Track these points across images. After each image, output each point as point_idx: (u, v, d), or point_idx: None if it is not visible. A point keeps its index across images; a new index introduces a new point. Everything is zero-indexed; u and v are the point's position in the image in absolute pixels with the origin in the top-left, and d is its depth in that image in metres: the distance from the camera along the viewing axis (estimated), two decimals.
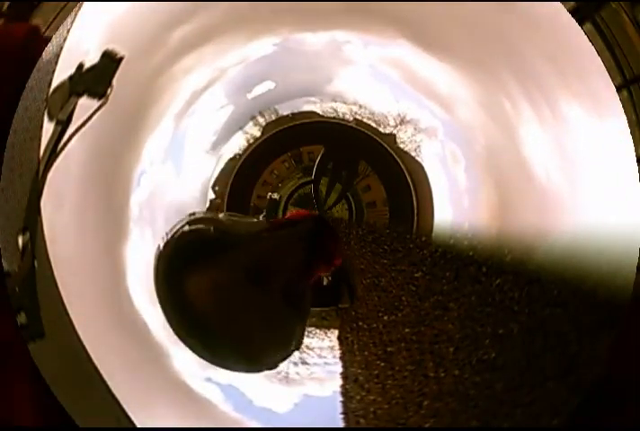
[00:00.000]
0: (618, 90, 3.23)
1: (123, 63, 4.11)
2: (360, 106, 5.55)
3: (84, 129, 3.96)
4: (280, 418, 4.01)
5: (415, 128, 4.94)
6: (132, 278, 4.60)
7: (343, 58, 5.25)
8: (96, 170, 4.69)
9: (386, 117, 5.40)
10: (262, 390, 4.24)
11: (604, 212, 3.38)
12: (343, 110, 5.41)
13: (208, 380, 4.55)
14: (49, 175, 3.68)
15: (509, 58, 3.96)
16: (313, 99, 5.55)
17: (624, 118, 3.14)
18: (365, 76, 5.33)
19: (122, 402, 3.44)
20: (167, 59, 4.86)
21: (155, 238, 5.05)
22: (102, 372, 3.58)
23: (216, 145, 6.46)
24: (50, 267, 3.80)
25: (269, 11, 4.49)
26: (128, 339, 4.34)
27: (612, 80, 3.33)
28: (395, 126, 4.86)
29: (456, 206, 5.13)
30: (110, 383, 3.62)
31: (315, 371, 4.48)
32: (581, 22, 3.28)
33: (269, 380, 4.41)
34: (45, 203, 3.72)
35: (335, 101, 5.58)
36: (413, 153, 5.17)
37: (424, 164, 5.13)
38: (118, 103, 4.33)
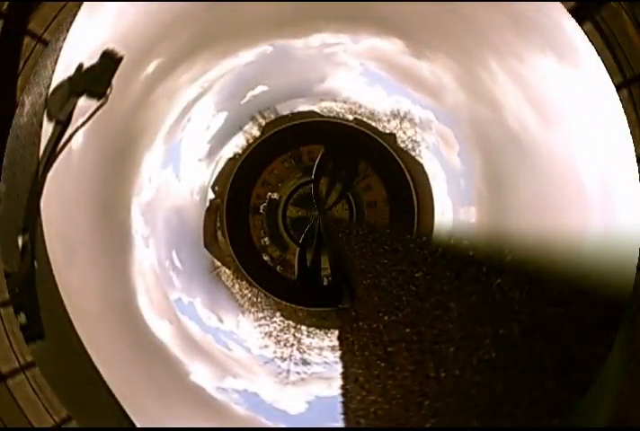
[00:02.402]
0: (619, 89, 3.22)
1: (118, 77, 4.08)
2: (352, 103, 5.50)
3: (84, 133, 3.92)
4: (291, 418, 4.00)
5: (410, 123, 4.91)
6: (138, 284, 4.57)
7: (332, 60, 5.23)
8: (97, 180, 4.65)
9: (380, 113, 5.35)
10: (274, 392, 4.23)
11: (604, 212, 3.34)
12: (337, 109, 5.36)
13: (224, 386, 4.54)
14: (50, 176, 3.64)
15: (478, 34, 4.01)
16: (305, 99, 5.52)
17: (605, 75, 3.16)
18: (356, 75, 5.32)
19: (123, 403, 3.40)
20: (162, 69, 4.82)
21: (157, 247, 5.05)
22: (102, 373, 3.54)
23: (215, 146, 6.40)
24: (50, 267, 3.77)
25: (254, 20, 4.52)
26: (127, 338, 4.28)
27: (612, 79, 3.32)
28: (389, 120, 4.85)
29: (455, 200, 5.07)
30: (111, 385, 3.58)
31: (316, 371, 4.42)
32: (581, 22, 3.27)
33: (280, 382, 4.41)
34: (45, 206, 3.69)
35: (334, 101, 5.53)
36: (413, 153, 5.12)
37: (424, 163, 5.06)
38: (118, 111, 4.31)
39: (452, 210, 5.54)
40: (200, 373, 5.58)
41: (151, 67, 5.04)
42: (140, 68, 4.91)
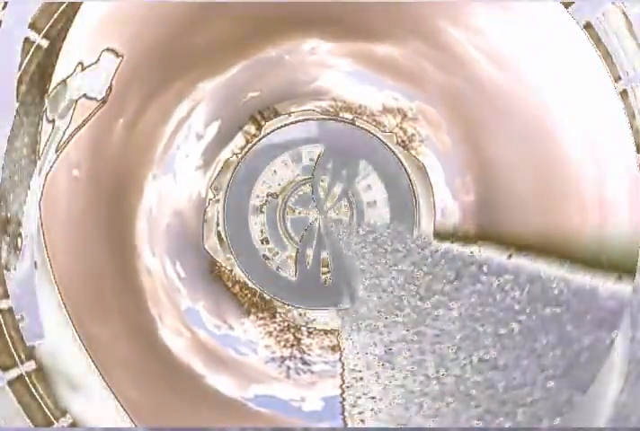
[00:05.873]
0: (618, 89, 3.20)
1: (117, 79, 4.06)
2: (347, 102, 5.50)
3: (84, 142, 3.89)
4: (305, 413, 4.03)
5: (404, 116, 4.93)
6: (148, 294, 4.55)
7: (320, 64, 5.26)
8: (99, 183, 4.61)
9: (375, 109, 5.35)
10: (291, 392, 4.25)
11: (604, 211, 3.33)
12: (333, 109, 5.36)
13: (228, 383, 4.54)
14: (50, 176, 3.63)
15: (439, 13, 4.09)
16: (295, 100, 5.54)
17: (605, 74, 3.18)
18: (345, 76, 5.36)
19: (123, 403, 3.40)
20: (160, 79, 4.82)
21: (161, 256, 5.02)
22: (102, 373, 3.53)
23: (214, 148, 6.39)
24: (50, 267, 3.76)
25: (241, 34, 4.59)
26: (128, 338, 4.26)
27: (612, 79, 3.31)
28: (385, 116, 4.87)
29: (453, 187, 5.07)
30: (111, 385, 3.57)
31: (316, 370, 4.42)
32: (581, 22, 3.26)
33: (283, 381, 4.42)
34: (45, 208, 3.67)
35: (333, 100, 5.52)
36: (412, 152, 5.12)
37: (421, 158, 5.06)
38: (115, 126, 4.31)
39: (452, 198, 5.59)
40: (200, 371, 5.59)
41: (150, 76, 5.08)
42: (141, 74, 4.93)
